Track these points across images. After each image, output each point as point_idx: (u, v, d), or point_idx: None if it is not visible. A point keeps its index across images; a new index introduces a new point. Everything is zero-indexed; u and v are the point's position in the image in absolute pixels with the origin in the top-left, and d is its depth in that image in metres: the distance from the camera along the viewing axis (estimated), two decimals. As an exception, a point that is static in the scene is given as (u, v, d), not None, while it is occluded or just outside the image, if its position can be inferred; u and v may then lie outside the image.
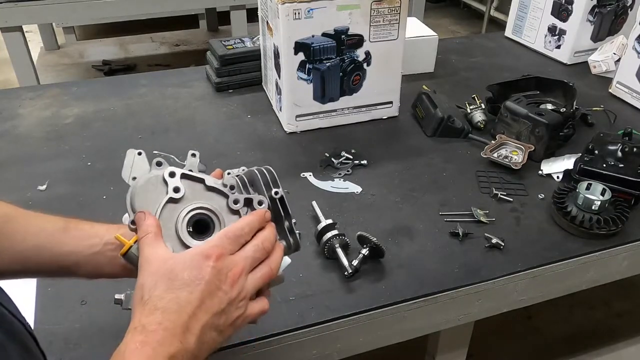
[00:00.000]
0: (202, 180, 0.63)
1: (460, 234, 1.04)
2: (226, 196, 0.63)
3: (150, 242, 0.58)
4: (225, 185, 0.64)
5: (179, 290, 0.55)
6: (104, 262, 0.69)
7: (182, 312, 0.54)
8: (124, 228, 0.67)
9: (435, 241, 1.04)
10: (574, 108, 1.33)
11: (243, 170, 0.69)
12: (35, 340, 0.56)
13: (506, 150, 1.27)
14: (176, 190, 0.61)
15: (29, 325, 0.56)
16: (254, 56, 1.52)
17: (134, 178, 0.64)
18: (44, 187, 1.16)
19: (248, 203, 0.64)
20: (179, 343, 0.53)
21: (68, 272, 0.70)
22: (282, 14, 1.21)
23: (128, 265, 0.64)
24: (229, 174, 0.67)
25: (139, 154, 0.65)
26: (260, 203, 0.64)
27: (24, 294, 0.89)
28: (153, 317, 0.54)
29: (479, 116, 1.39)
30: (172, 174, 0.61)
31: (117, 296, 0.64)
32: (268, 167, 0.67)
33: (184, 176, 0.62)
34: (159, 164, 0.64)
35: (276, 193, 0.65)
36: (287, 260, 0.68)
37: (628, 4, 1.73)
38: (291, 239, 0.68)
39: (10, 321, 0.52)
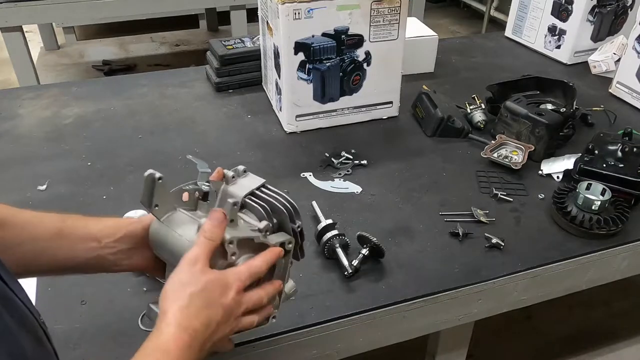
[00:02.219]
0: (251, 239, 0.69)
1: (460, 234, 1.04)
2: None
3: (210, 250, 0.64)
4: (262, 233, 0.70)
5: (208, 310, 0.62)
6: (107, 264, 0.72)
7: (206, 331, 0.62)
8: (117, 227, 0.73)
9: (435, 241, 1.04)
10: (574, 108, 1.33)
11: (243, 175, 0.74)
12: (47, 334, 0.57)
13: (506, 150, 1.27)
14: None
15: (42, 320, 0.57)
16: (254, 56, 1.52)
17: (157, 205, 0.69)
18: (44, 187, 1.16)
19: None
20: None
21: (74, 273, 0.73)
22: (282, 14, 1.21)
23: (135, 266, 0.74)
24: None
25: (159, 179, 0.68)
26: (289, 242, 0.72)
27: (24, 294, 0.89)
28: (190, 327, 0.61)
29: (479, 116, 1.39)
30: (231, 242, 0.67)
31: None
32: (291, 202, 0.73)
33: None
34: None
35: (299, 226, 0.73)
36: (292, 283, 0.77)
37: (628, 4, 1.73)
38: (300, 254, 0.76)
39: (23, 312, 0.53)
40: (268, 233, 0.70)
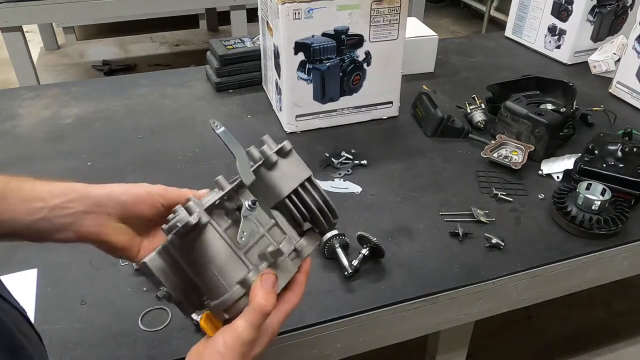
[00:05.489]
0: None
1: (460, 234, 1.04)
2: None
3: (259, 318, 0.57)
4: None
5: None
6: (52, 229, 0.64)
7: None
8: (71, 188, 0.66)
9: (435, 241, 1.04)
10: (574, 108, 1.33)
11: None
12: (31, 324, 0.56)
13: (506, 150, 1.27)
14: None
15: (23, 309, 0.56)
16: (254, 56, 1.52)
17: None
18: (44, 187, 1.16)
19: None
20: None
21: (12, 239, 0.65)
22: (282, 14, 1.21)
23: (84, 234, 0.65)
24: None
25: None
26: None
27: (23, 294, 0.89)
28: None
29: (479, 116, 1.39)
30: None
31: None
32: (324, 197, 0.64)
33: None
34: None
35: (335, 224, 0.66)
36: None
37: (628, 4, 1.73)
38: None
39: (4, 308, 0.51)
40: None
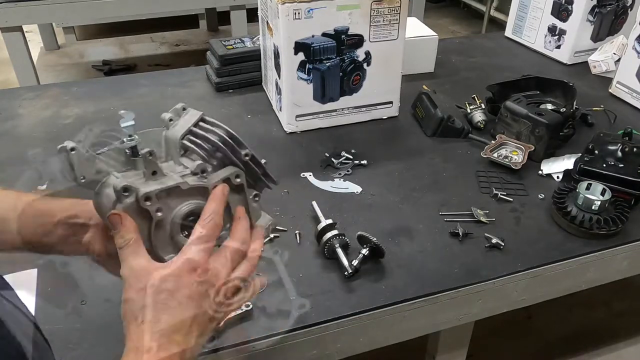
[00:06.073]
0: (178, 187, 0.61)
1: (460, 234, 1.04)
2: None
3: (132, 250, 0.57)
4: (199, 175, 0.62)
5: (173, 310, 0.56)
6: (54, 242, 0.67)
7: (179, 332, 0.56)
8: (76, 202, 0.68)
9: (435, 241, 1.04)
10: (574, 108, 1.33)
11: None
12: (39, 330, 0.56)
13: (506, 150, 1.27)
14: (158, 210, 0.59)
15: (32, 315, 0.56)
16: (254, 56, 1.52)
17: (83, 178, 0.61)
18: (44, 187, 1.16)
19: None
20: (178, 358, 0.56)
21: (18, 251, 0.68)
22: (282, 14, 1.21)
23: (83, 245, 0.68)
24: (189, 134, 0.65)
25: (72, 150, 0.59)
26: (237, 176, 0.64)
27: (23, 294, 0.89)
28: (152, 341, 0.55)
29: (479, 116, 1.39)
30: (148, 198, 0.58)
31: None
32: (229, 132, 0.65)
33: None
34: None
35: (246, 155, 0.65)
36: (267, 217, 0.69)
37: (628, 4, 1.73)
38: (267, 181, 0.68)
39: (13, 313, 0.52)
40: (206, 174, 0.62)
